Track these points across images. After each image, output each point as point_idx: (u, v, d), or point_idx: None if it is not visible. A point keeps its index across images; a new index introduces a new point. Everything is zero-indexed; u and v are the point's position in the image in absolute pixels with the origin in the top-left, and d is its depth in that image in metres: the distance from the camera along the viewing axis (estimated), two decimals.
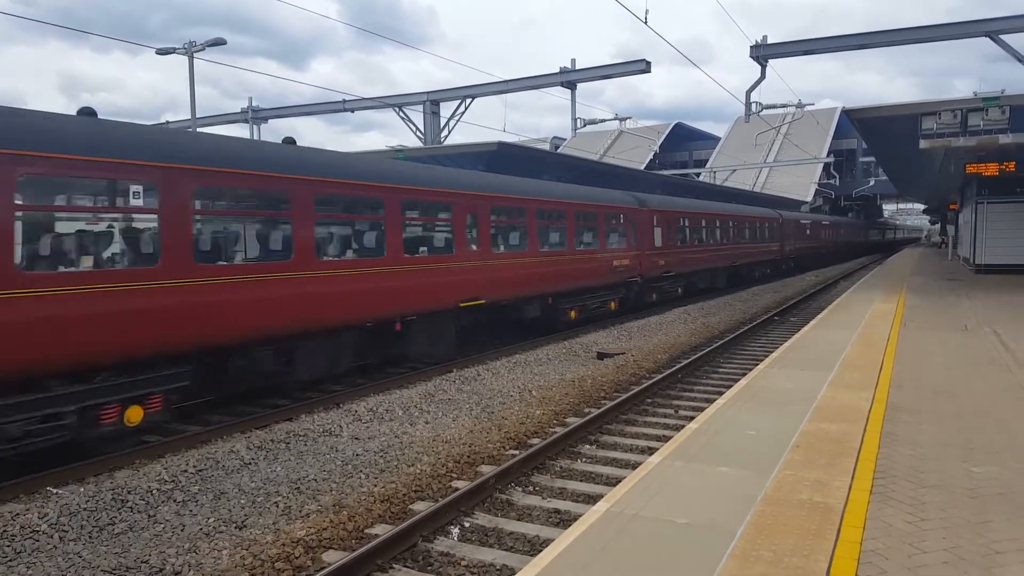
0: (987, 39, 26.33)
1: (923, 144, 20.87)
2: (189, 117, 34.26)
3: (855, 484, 5.98)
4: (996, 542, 4.84)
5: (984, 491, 5.78)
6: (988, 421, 7.87)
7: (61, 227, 9.67)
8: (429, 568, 6.53)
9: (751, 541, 4.93)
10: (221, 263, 10.89)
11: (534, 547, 6.78)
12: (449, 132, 40.89)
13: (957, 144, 20.27)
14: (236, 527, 7.17)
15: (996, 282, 26.01)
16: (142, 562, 6.40)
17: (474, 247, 15.82)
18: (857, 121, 23.81)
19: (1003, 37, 26.09)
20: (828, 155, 67.14)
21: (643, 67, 35.03)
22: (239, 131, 57.31)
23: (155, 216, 9.61)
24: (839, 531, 5.05)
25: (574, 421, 10.91)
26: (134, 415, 9.30)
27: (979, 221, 30.74)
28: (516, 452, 9.55)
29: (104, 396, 9.00)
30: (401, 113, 40.96)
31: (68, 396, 8.61)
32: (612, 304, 22.07)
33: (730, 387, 10.51)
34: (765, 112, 36.37)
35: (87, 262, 9.22)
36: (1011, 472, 6.22)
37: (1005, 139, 19.57)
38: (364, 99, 42.52)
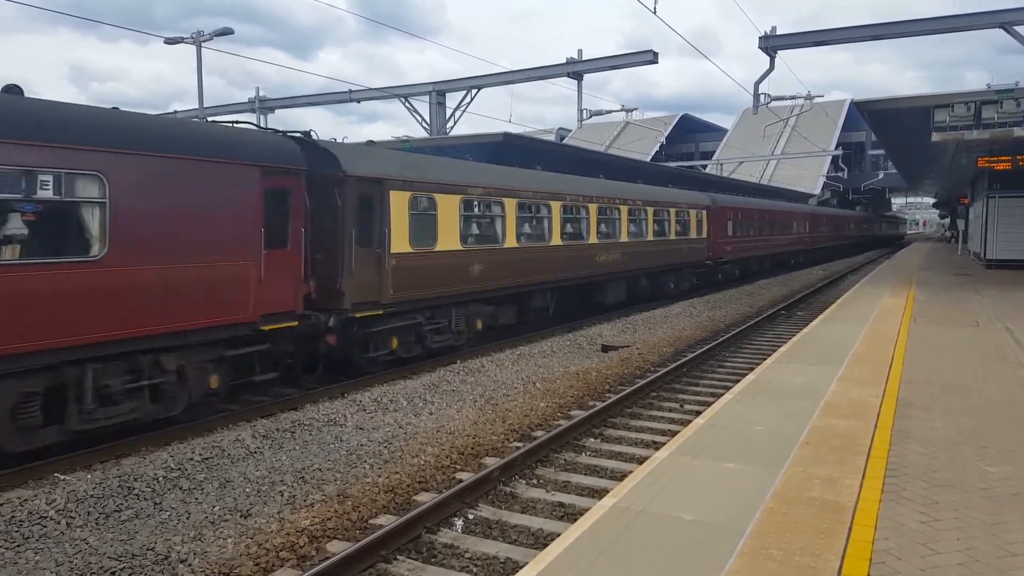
0: (1000, 30, 26.05)
1: (935, 137, 20.67)
2: (196, 106, 34.23)
3: (866, 482, 5.90)
4: (1012, 543, 4.76)
5: (998, 491, 5.70)
6: (1001, 419, 7.78)
7: None
8: (433, 560, 6.49)
9: (760, 539, 4.86)
10: None
11: (538, 540, 6.72)
12: (455, 123, 40.70)
13: (970, 137, 20.08)
14: (241, 516, 7.14)
15: (1007, 277, 25.82)
16: (148, 549, 6.39)
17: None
18: (868, 113, 23.68)
19: (1017, 28, 25.80)
20: (836, 148, 66.83)
21: (650, 58, 34.66)
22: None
23: None
24: (850, 530, 4.98)
25: (578, 414, 10.84)
26: None
27: (990, 215, 30.48)
28: (520, 444, 9.48)
29: None
30: (407, 104, 40.77)
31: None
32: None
33: (737, 382, 10.44)
34: (773, 104, 36.12)
35: None
36: None
37: (1020, 132, 19.36)
38: (370, 89, 42.34)
